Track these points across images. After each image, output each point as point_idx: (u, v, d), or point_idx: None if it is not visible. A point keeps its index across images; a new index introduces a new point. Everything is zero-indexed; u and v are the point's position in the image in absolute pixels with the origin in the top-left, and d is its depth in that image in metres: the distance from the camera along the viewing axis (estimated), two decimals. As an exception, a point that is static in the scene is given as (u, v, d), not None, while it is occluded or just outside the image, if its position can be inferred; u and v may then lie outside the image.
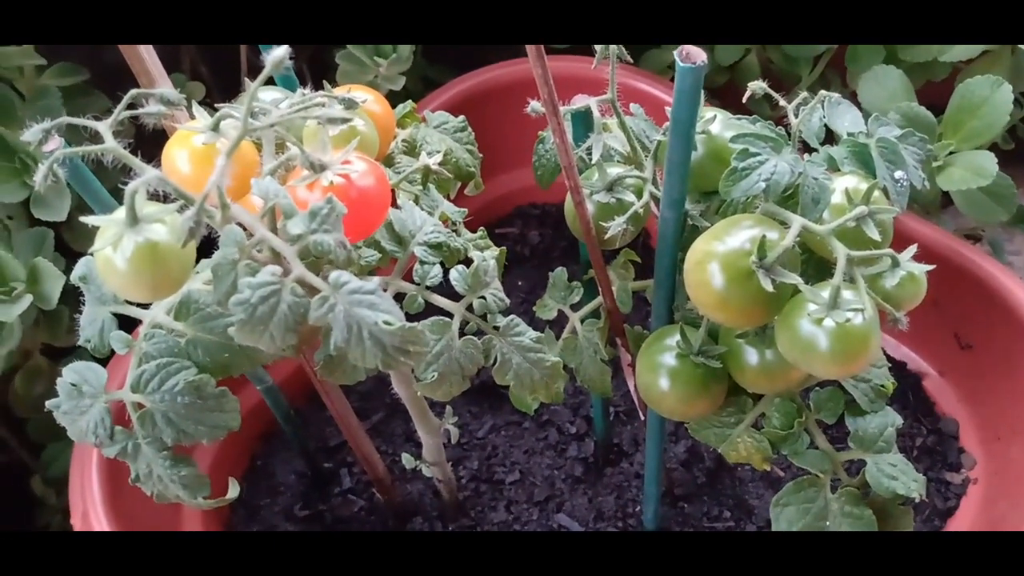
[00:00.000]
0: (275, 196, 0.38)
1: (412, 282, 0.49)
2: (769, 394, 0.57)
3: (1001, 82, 0.73)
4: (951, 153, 0.75)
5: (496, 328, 0.49)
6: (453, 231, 0.54)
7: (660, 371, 0.56)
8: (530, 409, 0.68)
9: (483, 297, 0.48)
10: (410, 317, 0.47)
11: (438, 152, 0.54)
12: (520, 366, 0.49)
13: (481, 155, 0.65)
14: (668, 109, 0.55)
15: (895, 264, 0.51)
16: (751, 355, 0.54)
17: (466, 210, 0.57)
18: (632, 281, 0.65)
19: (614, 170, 0.56)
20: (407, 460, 0.72)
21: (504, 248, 0.58)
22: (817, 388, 0.57)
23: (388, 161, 0.57)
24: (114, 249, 0.36)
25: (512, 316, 0.49)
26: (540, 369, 0.49)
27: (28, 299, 0.67)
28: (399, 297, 0.48)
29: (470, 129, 0.64)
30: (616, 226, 0.54)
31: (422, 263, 0.48)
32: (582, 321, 0.64)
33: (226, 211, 0.37)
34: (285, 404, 0.76)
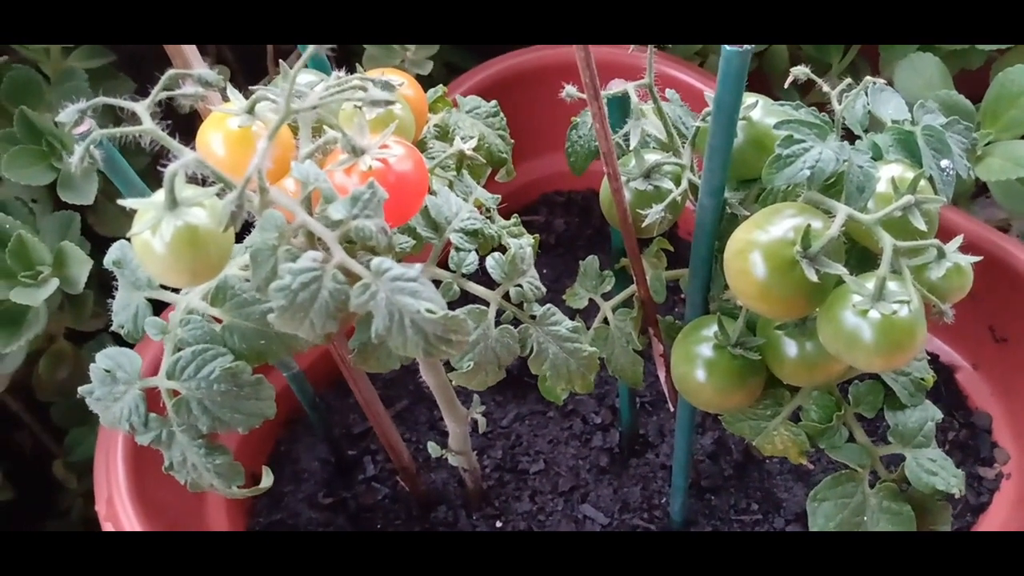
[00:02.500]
0: (316, 180, 0.37)
1: (447, 269, 0.48)
2: (807, 387, 0.56)
3: (1043, 70, 0.71)
4: (989, 143, 0.74)
5: (532, 317, 0.48)
6: (487, 218, 0.53)
7: (697, 362, 0.55)
8: (559, 399, 0.67)
9: (519, 285, 0.47)
10: (446, 305, 0.47)
11: (472, 137, 0.53)
12: (556, 356, 0.48)
13: (513, 141, 0.64)
14: (707, 94, 0.54)
15: (941, 255, 0.50)
16: (790, 347, 0.53)
17: (499, 197, 0.56)
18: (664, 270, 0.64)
19: (651, 157, 0.55)
20: (433, 448, 0.72)
21: (537, 236, 0.57)
22: (856, 381, 0.56)
23: (421, 146, 0.56)
24: (153, 233, 0.35)
25: (548, 305, 0.48)
26: (576, 359, 0.48)
27: (55, 283, 0.66)
28: (434, 285, 0.47)
29: (502, 115, 0.63)
30: (654, 214, 0.53)
31: (458, 250, 0.47)
32: (614, 311, 0.63)
33: (265, 195, 0.37)
34: (311, 390, 0.75)
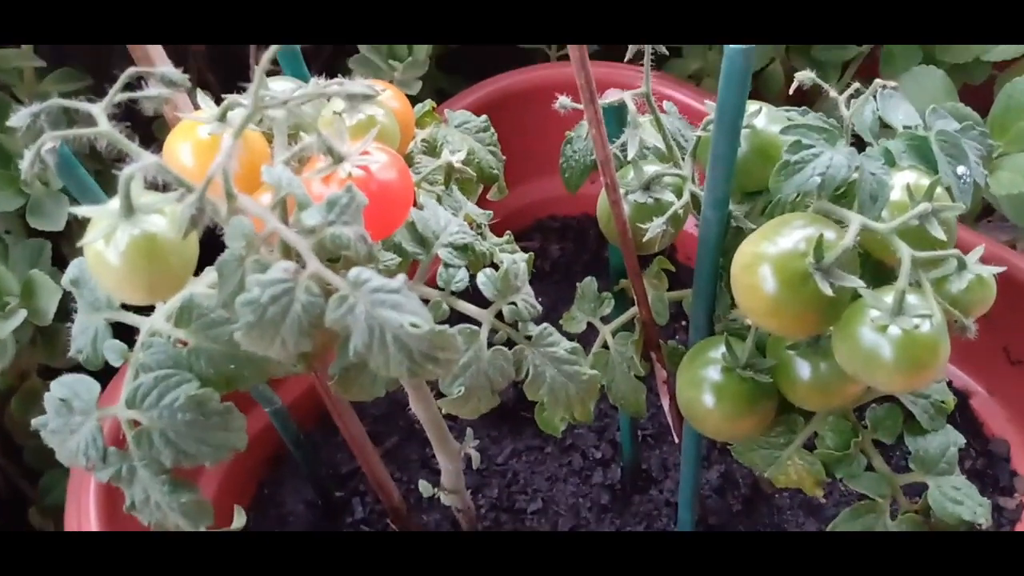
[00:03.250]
0: (288, 185, 0.34)
1: (435, 287, 0.45)
2: (822, 412, 0.53)
3: (1052, 81, 0.69)
4: (997, 156, 0.71)
5: (528, 337, 0.44)
6: (478, 234, 0.50)
7: (704, 386, 0.51)
8: (557, 431, 0.64)
9: (513, 303, 0.44)
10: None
11: (460, 151, 0.50)
12: (554, 379, 0.45)
13: (504, 157, 0.61)
14: (708, 103, 0.51)
15: (962, 266, 0.47)
16: (803, 368, 0.50)
17: (491, 212, 0.53)
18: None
19: (651, 168, 0.52)
20: (424, 488, 0.68)
21: (532, 254, 0.54)
22: (873, 405, 0.53)
23: (407, 161, 0.53)
24: (106, 242, 0.32)
25: (545, 325, 0.45)
26: (576, 383, 0.45)
27: (22, 314, 0.63)
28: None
29: (493, 130, 0.60)
30: (656, 227, 0.50)
31: (447, 266, 0.44)
32: (614, 334, 0.60)
33: (233, 201, 0.33)
34: (294, 428, 0.71)
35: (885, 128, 0.52)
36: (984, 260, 0.48)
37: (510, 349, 0.44)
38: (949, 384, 0.81)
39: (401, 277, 0.32)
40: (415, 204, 0.46)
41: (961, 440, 0.53)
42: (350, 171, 0.39)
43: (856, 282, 0.44)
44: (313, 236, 0.33)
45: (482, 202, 0.61)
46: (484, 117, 0.60)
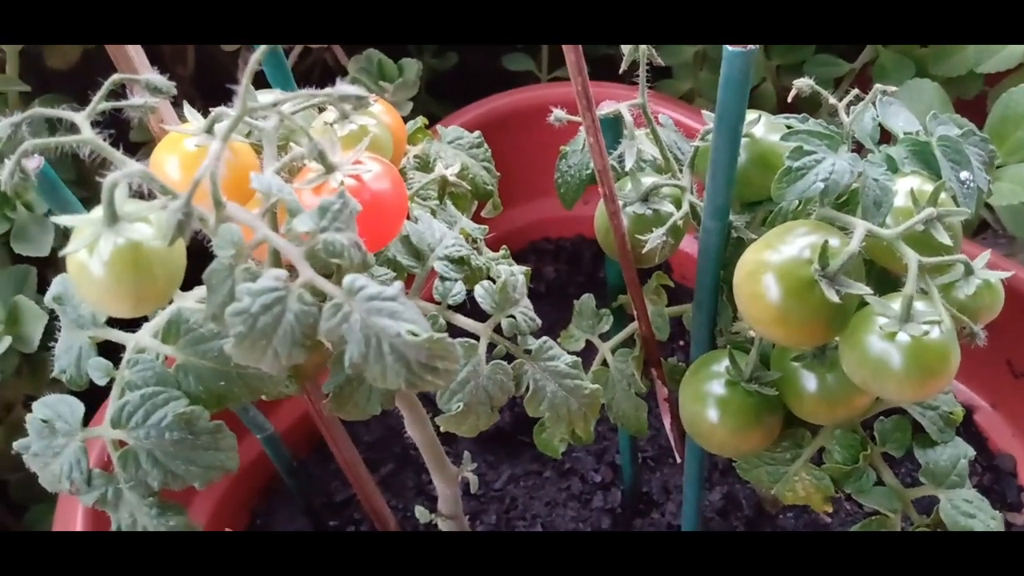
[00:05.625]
0: (279, 191, 0.33)
1: (432, 302, 0.44)
2: (829, 425, 0.51)
3: (1049, 91, 0.68)
4: (996, 167, 0.70)
5: (528, 352, 0.43)
6: (474, 248, 0.49)
7: (708, 401, 0.50)
8: (557, 453, 0.62)
9: (512, 316, 0.43)
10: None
11: (454, 165, 0.49)
12: (555, 395, 0.43)
13: (499, 174, 0.60)
14: (705, 113, 0.51)
15: (969, 271, 0.46)
16: (809, 380, 0.49)
17: (487, 227, 0.51)
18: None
19: (649, 179, 0.51)
20: (421, 514, 0.66)
21: (529, 269, 0.53)
22: (881, 418, 0.52)
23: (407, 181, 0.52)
24: (90, 252, 0.31)
25: (545, 339, 0.44)
26: (578, 398, 0.44)
27: (7, 341, 0.61)
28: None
29: (486, 146, 0.59)
30: (656, 238, 0.49)
31: (443, 279, 0.43)
32: (613, 352, 0.58)
33: (221, 209, 0.32)
34: (288, 455, 0.70)
35: (885, 135, 0.52)
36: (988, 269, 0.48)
37: (509, 364, 0.43)
38: (952, 399, 0.80)
39: (398, 284, 0.31)
40: (409, 217, 0.45)
41: (971, 452, 0.51)
42: (342, 180, 0.38)
43: (863, 289, 0.43)
44: (305, 244, 0.32)
45: (476, 220, 0.60)
46: (477, 133, 0.59)
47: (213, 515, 0.75)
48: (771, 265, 0.44)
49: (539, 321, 0.43)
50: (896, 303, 0.43)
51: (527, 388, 0.43)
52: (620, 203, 0.51)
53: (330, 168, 0.38)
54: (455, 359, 0.31)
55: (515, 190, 0.81)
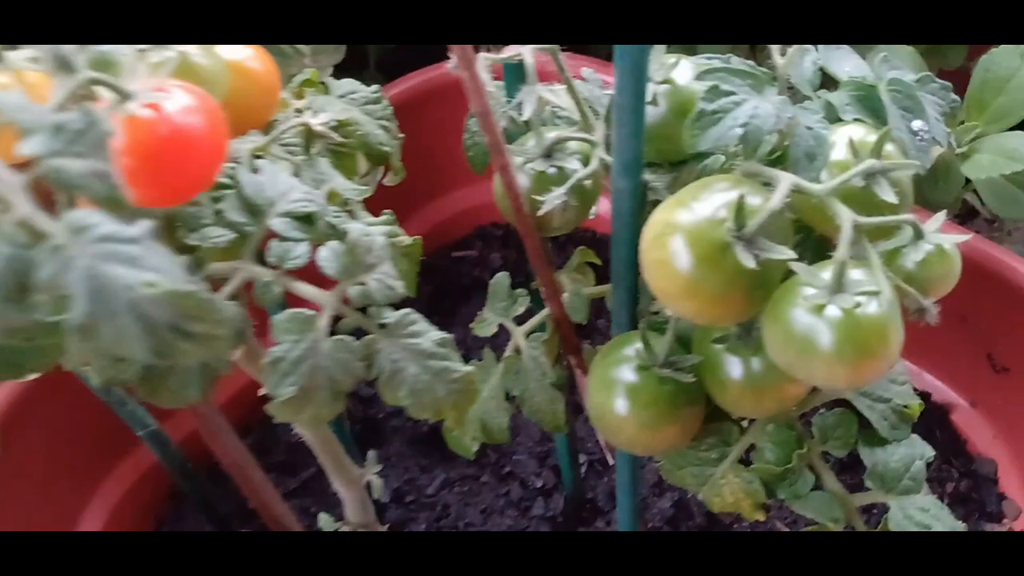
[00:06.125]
0: (17, 110, 0.26)
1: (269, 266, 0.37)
2: (760, 419, 0.44)
3: (1030, 52, 0.61)
4: (975, 138, 0.63)
5: (382, 326, 0.36)
6: (346, 211, 0.42)
7: (615, 389, 0.43)
8: (470, 452, 0.55)
9: (363, 284, 0.36)
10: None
11: (324, 112, 0.42)
12: (417, 379, 0.36)
13: (403, 135, 0.53)
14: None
15: (918, 235, 0.39)
16: (733, 365, 0.41)
17: (368, 188, 0.45)
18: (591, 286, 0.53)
19: (554, 133, 0.44)
20: (325, 522, 0.59)
21: (420, 238, 0.46)
22: (822, 411, 0.44)
23: (268, 129, 0.45)
24: None
25: (407, 311, 0.37)
26: (445, 383, 0.36)
27: None
28: (249, 285, 0.36)
29: (387, 102, 0.52)
30: (553, 198, 0.42)
31: (282, 239, 0.36)
32: (528, 336, 0.51)
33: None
34: (179, 455, 0.63)
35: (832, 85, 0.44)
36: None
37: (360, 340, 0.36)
38: (928, 398, 0.72)
39: (145, 224, 0.24)
40: (249, 167, 0.38)
41: (929, 452, 0.44)
42: (135, 111, 0.31)
43: (785, 253, 0.36)
44: (30, 171, 0.25)
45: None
46: (376, 87, 0.52)
47: (111, 519, 0.69)
48: (680, 226, 0.37)
49: (400, 290, 0.36)
50: (828, 272, 0.36)
51: (382, 370, 0.36)
52: (520, 160, 0.44)
53: (123, 96, 0.31)
54: (217, 319, 0.24)
55: (459, 171, 0.75)
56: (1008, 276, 0.63)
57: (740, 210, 0.36)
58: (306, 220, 0.37)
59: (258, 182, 0.37)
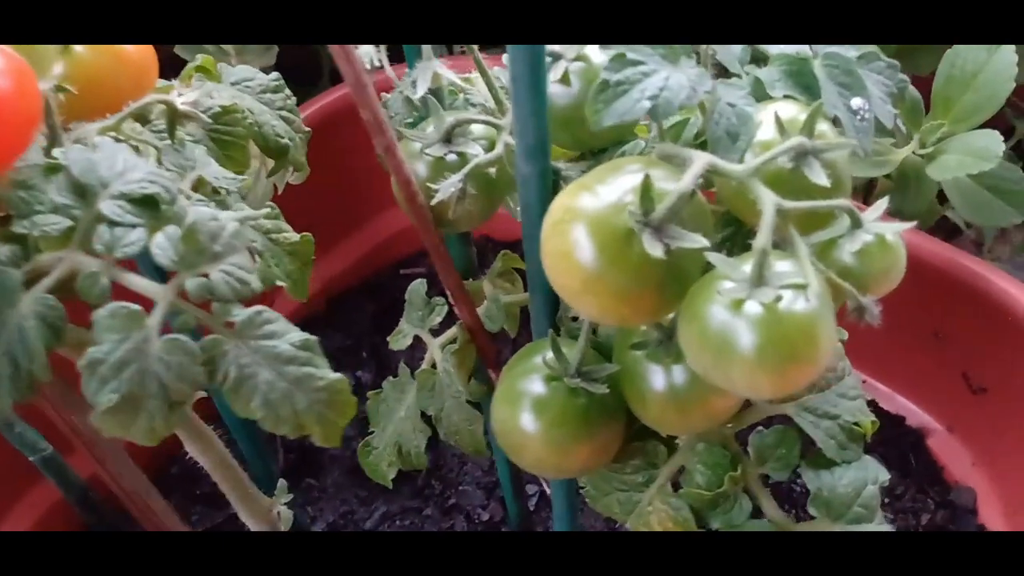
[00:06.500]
0: None
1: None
2: (688, 437, 0.39)
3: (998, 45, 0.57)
4: (942, 138, 0.59)
5: (229, 325, 0.31)
6: (217, 202, 0.37)
7: (521, 402, 0.38)
8: (387, 480, 0.50)
9: (205, 276, 0.31)
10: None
11: (190, 95, 0.38)
12: (272, 386, 0.31)
13: (309, 130, 0.48)
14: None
15: (856, 224, 0.34)
16: (654, 375, 0.36)
17: (246, 178, 0.40)
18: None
19: (454, 115, 0.40)
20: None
21: (309, 235, 0.41)
22: (760, 428, 0.39)
23: (143, 118, 0.41)
24: None
25: (260, 309, 0.32)
26: (306, 391, 0.31)
27: None
28: (73, 277, 0.31)
29: (289, 92, 0.47)
30: (448, 186, 0.37)
31: (113, 225, 0.31)
32: (444, 348, 0.46)
33: None
34: (80, 484, 0.57)
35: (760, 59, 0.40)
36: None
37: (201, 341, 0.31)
38: (902, 422, 0.67)
39: None
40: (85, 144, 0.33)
41: (883, 475, 0.39)
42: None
43: (698, 241, 0.31)
44: None
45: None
46: (276, 75, 0.47)
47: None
48: (582, 212, 0.32)
49: (253, 283, 0.31)
50: (749, 264, 0.31)
51: (226, 376, 0.31)
52: (418, 146, 0.40)
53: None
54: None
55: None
56: (983, 289, 0.58)
57: (647, 192, 0.31)
58: (145, 203, 0.32)
59: (89, 160, 0.32)
